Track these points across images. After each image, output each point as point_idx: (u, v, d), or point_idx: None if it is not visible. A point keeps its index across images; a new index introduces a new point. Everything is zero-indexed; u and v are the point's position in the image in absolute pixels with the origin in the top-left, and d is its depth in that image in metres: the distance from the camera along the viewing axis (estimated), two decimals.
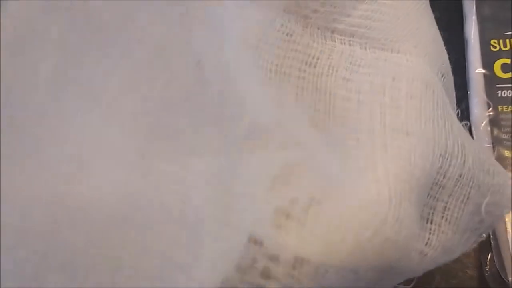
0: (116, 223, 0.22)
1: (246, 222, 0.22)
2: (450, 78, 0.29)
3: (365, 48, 0.26)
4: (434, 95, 0.25)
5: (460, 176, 0.25)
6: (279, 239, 0.22)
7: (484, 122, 0.38)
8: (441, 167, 0.24)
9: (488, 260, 0.35)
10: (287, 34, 0.26)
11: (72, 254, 0.22)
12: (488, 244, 0.35)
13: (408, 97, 0.24)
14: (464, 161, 0.25)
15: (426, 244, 0.25)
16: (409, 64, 0.25)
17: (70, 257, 0.22)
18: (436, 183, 0.25)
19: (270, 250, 0.22)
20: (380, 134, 0.24)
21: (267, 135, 0.25)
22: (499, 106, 0.38)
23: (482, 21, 0.40)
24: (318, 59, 0.26)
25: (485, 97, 0.39)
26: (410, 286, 0.28)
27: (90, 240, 0.22)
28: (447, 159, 0.24)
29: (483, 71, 0.39)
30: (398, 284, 0.27)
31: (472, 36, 0.40)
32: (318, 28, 0.27)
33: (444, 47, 0.29)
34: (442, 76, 0.27)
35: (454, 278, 0.36)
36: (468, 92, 0.39)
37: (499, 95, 0.39)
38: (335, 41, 0.27)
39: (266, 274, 0.21)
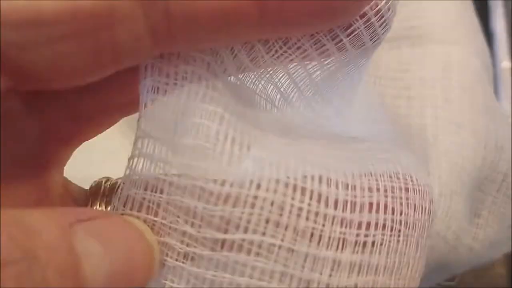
0: None
1: None
2: (491, 70, 0.29)
3: (413, 47, 0.27)
4: (484, 86, 0.25)
5: (508, 171, 0.25)
6: None
7: None
8: (492, 161, 0.24)
9: None
10: None
11: None
12: None
13: (459, 88, 0.24)
14: None
15: (473, 239, 0.25)
16: (459, 54, 0.26)
17: None
18: (486, 178, 0.25)
19: None
20: (432, 127, 0.24)
21: None
22: None
23: (509, 14, 0.41)
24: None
25: None
26: (454, 282, 0.28)
27: None
28: (497, 153, 0.25)
29: (510, 64, 0.40)
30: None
31: (499, 29, 0.40)
32: None
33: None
34: (487, 68, 0.27)
35: (483, 276, 0.37)
36: (495, 85, 0.40)
37: None
38: (383, 49, 0.27)
39: None
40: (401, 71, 0.26)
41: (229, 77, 0.14)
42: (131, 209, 0.13)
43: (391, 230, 0.13)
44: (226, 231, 0.12)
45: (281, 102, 0.15)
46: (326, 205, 0.13)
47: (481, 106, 0.24)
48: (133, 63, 0.13)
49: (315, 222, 0.13)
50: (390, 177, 0.14)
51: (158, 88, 0.13)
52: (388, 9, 0.14)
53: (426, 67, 0.26)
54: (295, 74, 0.15)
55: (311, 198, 0.13)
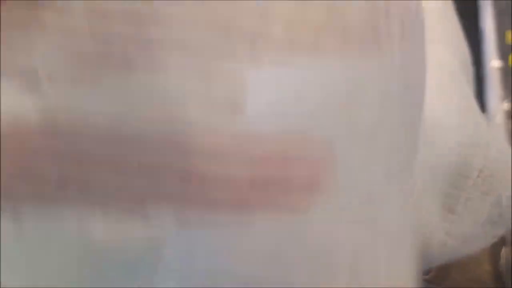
0: None
1: None
2: (471, 70, 0.30)
3: None
4: (460, 85, 0.26)
5: (484, 167, 0.26)
6: None
7: (500, 115, 0.39)
8: (465, 158, 0.25)
9: (503, 254, 0.37)
10: None
11: None
12: (503, 239, 0.37)
13: (435, 87, 0.25)
14: (488, 152, 0.26)
15: (446, 234, 0.26)
16: (435, 53, 0.26)
17: None
18: (460, 174, 0.26)
19: None
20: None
21: None
22: None
23: (498, 12, 0.42)
24: None
25: (500, 89, 0.40)
26: (428, 276, 0.29)
27: None
28: (472, 150, 0.26)
29: (499, 63, 0.41)
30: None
31: (488, 28, 0.41)
32: None
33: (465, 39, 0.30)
34: (465, 68, 0.28)
35: (469, 272, 0.38)
36: (483, 84, 0.41)
37: None
38: None
39: None
40: None
41: None
42: None
43: None
44: None
45: None
46: None
47: (456, 105, 0.25)
48: None
49: None
50: None
51: None
52: None
53: None
54: None
55: None
